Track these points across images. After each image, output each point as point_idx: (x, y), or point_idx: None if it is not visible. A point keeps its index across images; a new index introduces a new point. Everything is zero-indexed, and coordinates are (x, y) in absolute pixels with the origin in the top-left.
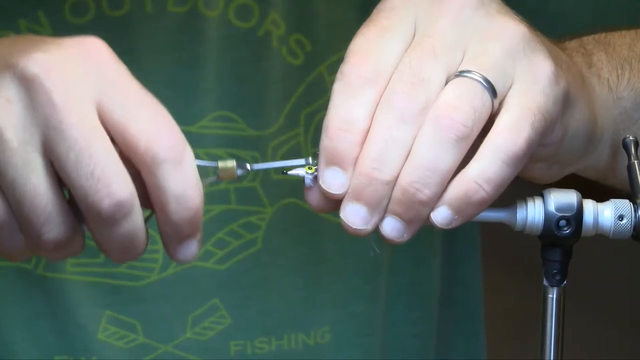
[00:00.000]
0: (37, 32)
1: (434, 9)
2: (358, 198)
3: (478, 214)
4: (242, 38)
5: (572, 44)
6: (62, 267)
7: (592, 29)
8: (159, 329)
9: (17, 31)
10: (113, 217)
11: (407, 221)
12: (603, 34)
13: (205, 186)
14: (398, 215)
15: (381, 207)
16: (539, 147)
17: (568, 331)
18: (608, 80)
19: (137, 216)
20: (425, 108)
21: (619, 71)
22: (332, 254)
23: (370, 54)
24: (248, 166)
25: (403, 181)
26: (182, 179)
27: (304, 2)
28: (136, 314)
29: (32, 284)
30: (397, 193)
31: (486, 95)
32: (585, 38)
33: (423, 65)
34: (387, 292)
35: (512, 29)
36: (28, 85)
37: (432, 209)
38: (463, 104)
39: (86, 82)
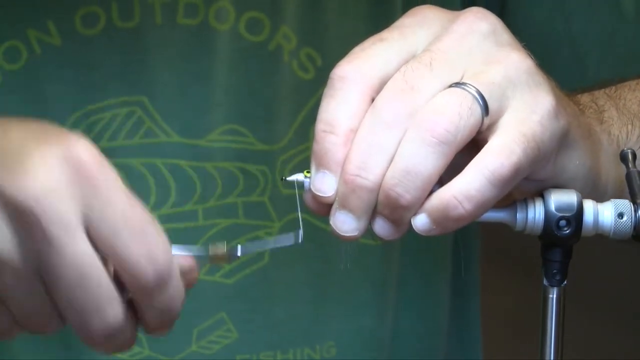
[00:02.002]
0: (46, 42)
1: (443, 31)
2: (344, 205)
3: (457, 228)
4: (253, 52)
5: (584, 98)
6: None
7: (602, 82)
8: (165, 342)
9: (26, 41)
10: (105, 342)
11: (393, 222)
12: (614, 88)
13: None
14: (385, 216)
15: (368, 213)
16: (527, 180)
17: (568, 331)
18: (618, 137)
19: (128, 332)
20: (412, 115)
21: (629, 127)
22: (339, 268)
23: (357, 59)
24: (238, 254)
25: (385, 185)
26: (167, 298)
27: (315, 16)
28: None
29: None
30: (381, 197)
31: (476, 106)
32: (596, 92)
33: (416, 74)
34: (394, 306)
35: (518, 60)
36: (20, 216)
37: (414, 213)
38: (448, 110)
39: (76, 203)
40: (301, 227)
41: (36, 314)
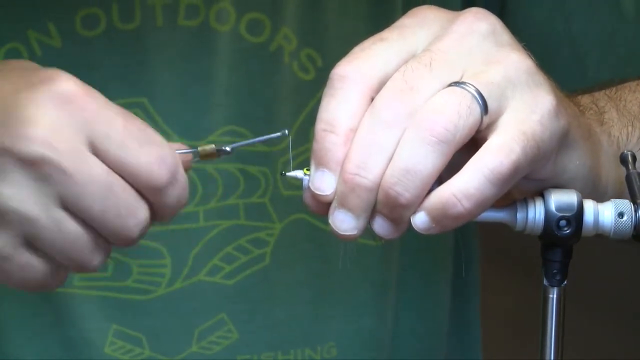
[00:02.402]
0: (46, 44)
1: (443, 31)
2: (343, 204)
3: (456, 226)
4: (253, 53)
5: (585, 99)
6: (70, 281)
7: (602, 83)
8: (165, 343)
9: (27, 42)
10: (139, 238)
11: (393, 221)
12: (614, 89)
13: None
14: (384, 215)
15: (367, 212)
16: (527, 180)
17: (568, 331)
18: (618, 138)
19: (149, 222)
20: (411, 114)
21: (629, 129)
22: (339, 269)
23: (357, 58)
24: (227, 148)
25: (385, 184)
26: (178, 191)
27: (315, 17)
28: (142, 327)
29: (40, 298)
30: (380, 196)
31: (475, 106)
32: (596, 93)
33: (415, 74)
34: (394, 306)
35: (517, 60)
36: (33, 166)
37: (414, 212)
38: (447, 109)
39: (79, 132)
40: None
41: (74, 248)
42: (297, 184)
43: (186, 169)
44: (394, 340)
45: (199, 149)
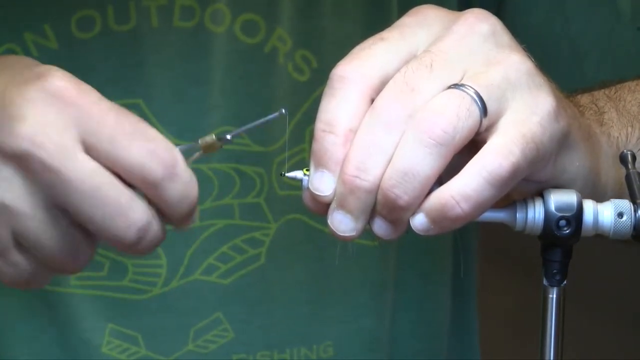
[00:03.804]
0: (43, 45)
1: (444, 32)
2: (342, 206)
3: (455, 227)
4: (249, 54)
5: (584, 99)
6: (66, 281)
7: (602, 83)
8: (161, 341)
9: (23, 44)
10: (138, 241)
11: (392, 222)
12: (613, 89)
13: (192, 162)
14: (383, 217)
15: (366, 213)
16: (526, 181)
17: (568, 331)
18: (617, 139)
19: (156, 225)
20: (411, 116)
21: (629, 129)
22: (337, 269)
23: (357, 59)
24: (228, 136)
25: (384, 186)
26: (180, 186)
27: (310, 18)
28: (138, 326)
29: (37, 298)
30: (379, 197)
31: (474, 108)
32: (596, 93)
33: (416, 75)
34: (393, 307)
35: (518, 61)
36: (20, 161)
37: (413, 213)
38: (447, 111)
39: (68, 129)
40: (286, 111)
41: (60, 248)
42: (293, 184)
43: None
44: (393, 340)
45: (199, 140)
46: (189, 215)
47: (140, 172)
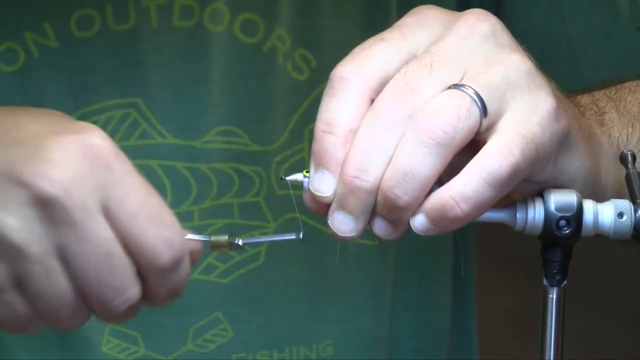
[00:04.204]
0: (43, 44)
1: (444, 32)
2: (342, 206)
3: (455, 228)
4: (248, 53)
5: (585, 99)
6: None
7: (602, 82)
8: (161, 341)
9: (23, 43)
10: (125, 316)
11: (392, 223)
12: (614, 89)
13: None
14: (383, 217)
15: (366, 213)
16: (526, 182)
17: (568, 331)
18: (618, 139)
19: (140, 303)
20: (411, 116)
21: (630, 130)
22: (336, 269)
23: (357, 59)
24: (240, 242)
25: (384, 186)
26: (178, 279)
27: (309, 18)
28: (138, 326)
29: None
30: (379, 198)
31: (474, 108)
32: (596, 93)
33: (416, 76)
34: (392, 307)
35: (518, 61)
36: (47, 205)
37: (413, 214)
38: (446, 111)
39: (95, 190)
40: (301, 226)
41: (58, 303)
42: (292, 183)
43: (194, 261)
44: (392, 340)
45: (212, 238)
46: (172, 300)
47: (150, 257)
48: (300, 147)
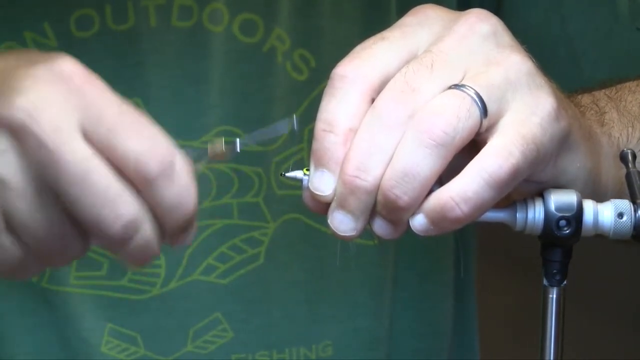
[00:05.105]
0: (42, 44)
1: (445, 31)
2: (342, 206)
3: (455, 228)
4: (247, 53)
5: (585, 99)
6: (66, 280)
7: (602, 82)
8: (160, 342)
9: (23, 43)
10: (124, 237)
11: (392, 222)
12: (614, 89)
13: (200, 170)
14: (383, 217)
15: (366, 213)
16: (527, 182)
17: (568, 331)
18: (618, 139)
19: (147, 227)
20: (412, 116)
21: (630, 130)
22: (336, 268)
23: (357, 58)
24: (237, 147)
25: (384, 186)
26: (176, 189)
27: (308, 18)
28: (138, 326)
29: (36, 297)
30: (379, 198)
31: (474, 109)
32: (596, 93)
33: (417, 76)
34: (392, 307)
35: (518, 61)
36: (17, 134)
37: (413, 214)
38: (446, 111)
39: (69, 112)
40: (294, 118)
41: (47, 234)
42: (291, 183)
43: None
44: (392, 339)
45: (209, 146)
46: (183, 226)
47: (134, 165)
48: (300, 147)
